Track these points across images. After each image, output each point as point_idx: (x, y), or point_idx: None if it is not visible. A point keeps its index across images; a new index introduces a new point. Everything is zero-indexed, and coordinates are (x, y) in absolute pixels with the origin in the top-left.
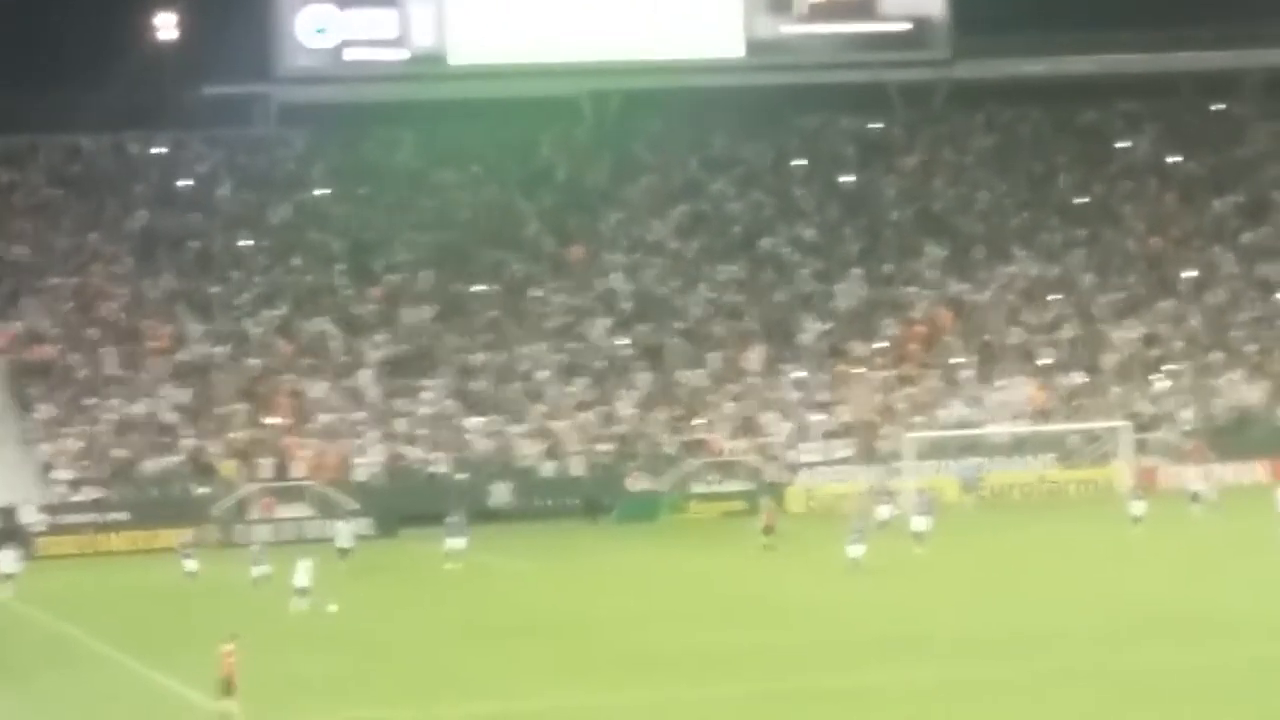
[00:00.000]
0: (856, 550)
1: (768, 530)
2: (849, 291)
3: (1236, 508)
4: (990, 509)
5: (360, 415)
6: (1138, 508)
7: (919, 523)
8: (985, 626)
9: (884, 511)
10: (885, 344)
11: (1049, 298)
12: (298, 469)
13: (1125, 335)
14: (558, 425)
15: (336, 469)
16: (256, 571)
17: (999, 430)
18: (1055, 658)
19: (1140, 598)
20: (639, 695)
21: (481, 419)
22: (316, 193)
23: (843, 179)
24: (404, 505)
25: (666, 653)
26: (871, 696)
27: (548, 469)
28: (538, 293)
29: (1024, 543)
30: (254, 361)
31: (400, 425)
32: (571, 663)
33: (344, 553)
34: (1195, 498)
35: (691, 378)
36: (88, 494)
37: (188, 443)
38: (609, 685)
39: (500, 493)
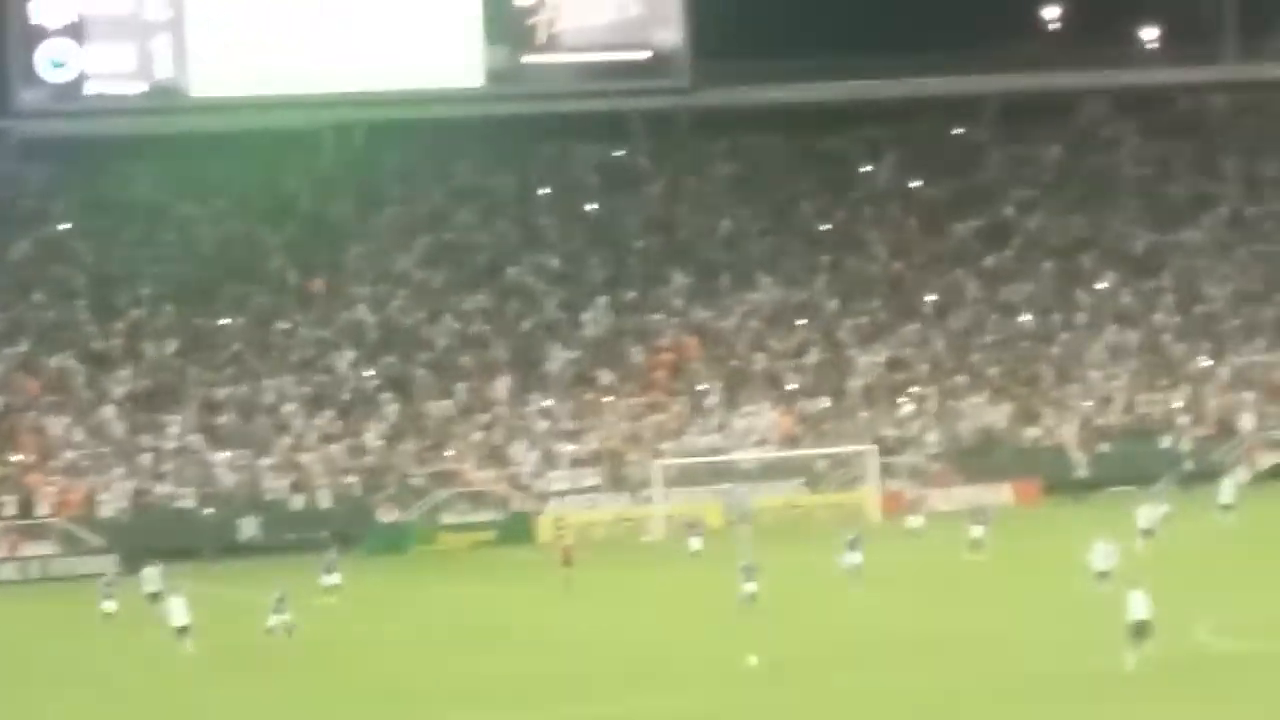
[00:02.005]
0: (854, 558)
1: (566, 563)
2: (595, 320)
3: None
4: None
5: (105, 451)
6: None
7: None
8: (732, 652)
9: (695, 543)
10: (632, 372)
11: (794, 323)
12: (42, 506)
13: (870, 360)
14: (305, 458)
15: (81, 506)
16: None
17: (747, 456)
18: (817, 681)
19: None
20: None
21: (228, 453)
22: (58, 227)
23: (587, 207)
24: (150, 541)
25: (417, 683)
26: None
27: (296, 502)
28: (283, 325)
29: (776, 568)
30: None
31: (146, 460)
32: (319, 694)
33: (154, 597)
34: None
35: (439, 408)
36: None
37: None
38: (359, 716)
39: (249, 527)
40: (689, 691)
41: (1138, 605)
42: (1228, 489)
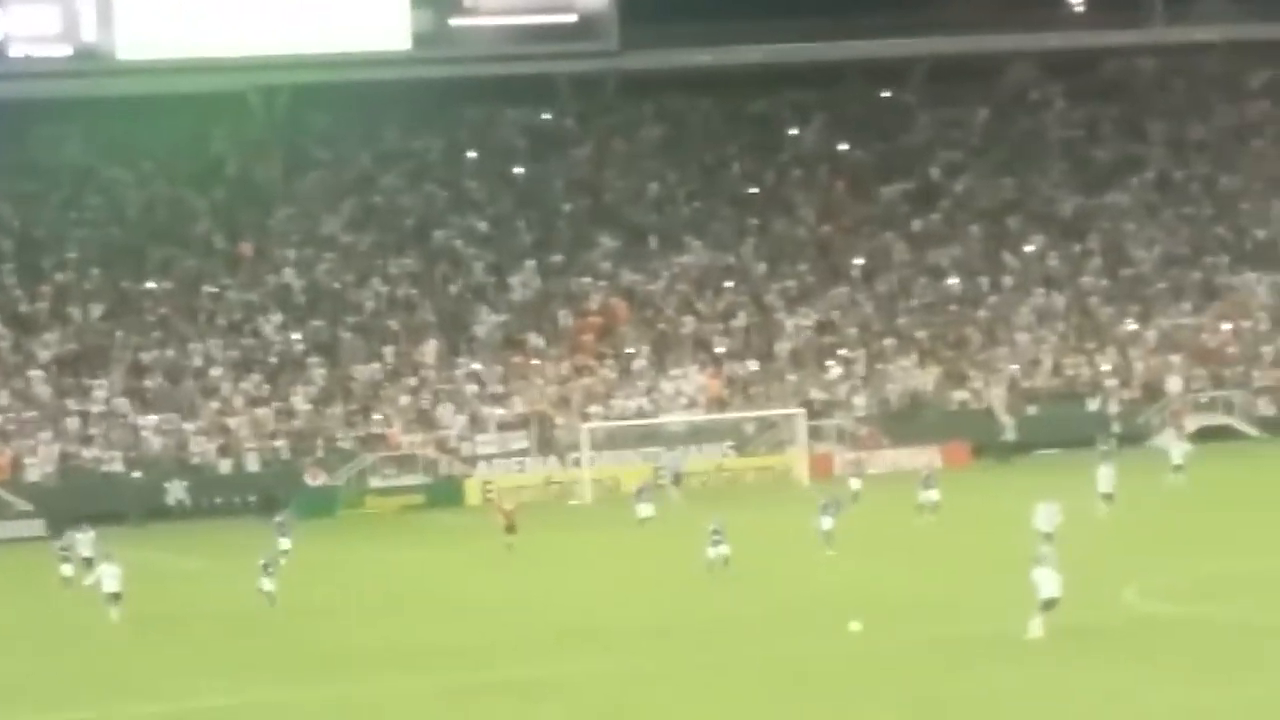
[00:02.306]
0: (828, 522)
1: (509, 529)
2: (523, 283)
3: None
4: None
5: (31, 415)
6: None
7: (644, 509)
8: (663, 615)
9: (644, 509)
10: (560, 335)
11: (722, 286)
12: None
13: (798, 323)
14: (232, 422)
15: (8, 470)
16: None
17: (675, 419)
18: (738, 645)
19: (810, 583)
20: (321, 691)
21: (155, 417)
22: None
23: (514, 170)
24: (77, 505)
25: (348, 648)
26: (553, 687)
27: (223, 466)
28: (209, 289)
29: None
30: None
31: (72, 424)
32: (251, 659)
33: (89, 561)
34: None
35: (366, 372)
36: None
37: None
38: (290, 681)
39: (176, 490)
40: (619, 654)
41: (1047, 583)
42: (1177, 451)
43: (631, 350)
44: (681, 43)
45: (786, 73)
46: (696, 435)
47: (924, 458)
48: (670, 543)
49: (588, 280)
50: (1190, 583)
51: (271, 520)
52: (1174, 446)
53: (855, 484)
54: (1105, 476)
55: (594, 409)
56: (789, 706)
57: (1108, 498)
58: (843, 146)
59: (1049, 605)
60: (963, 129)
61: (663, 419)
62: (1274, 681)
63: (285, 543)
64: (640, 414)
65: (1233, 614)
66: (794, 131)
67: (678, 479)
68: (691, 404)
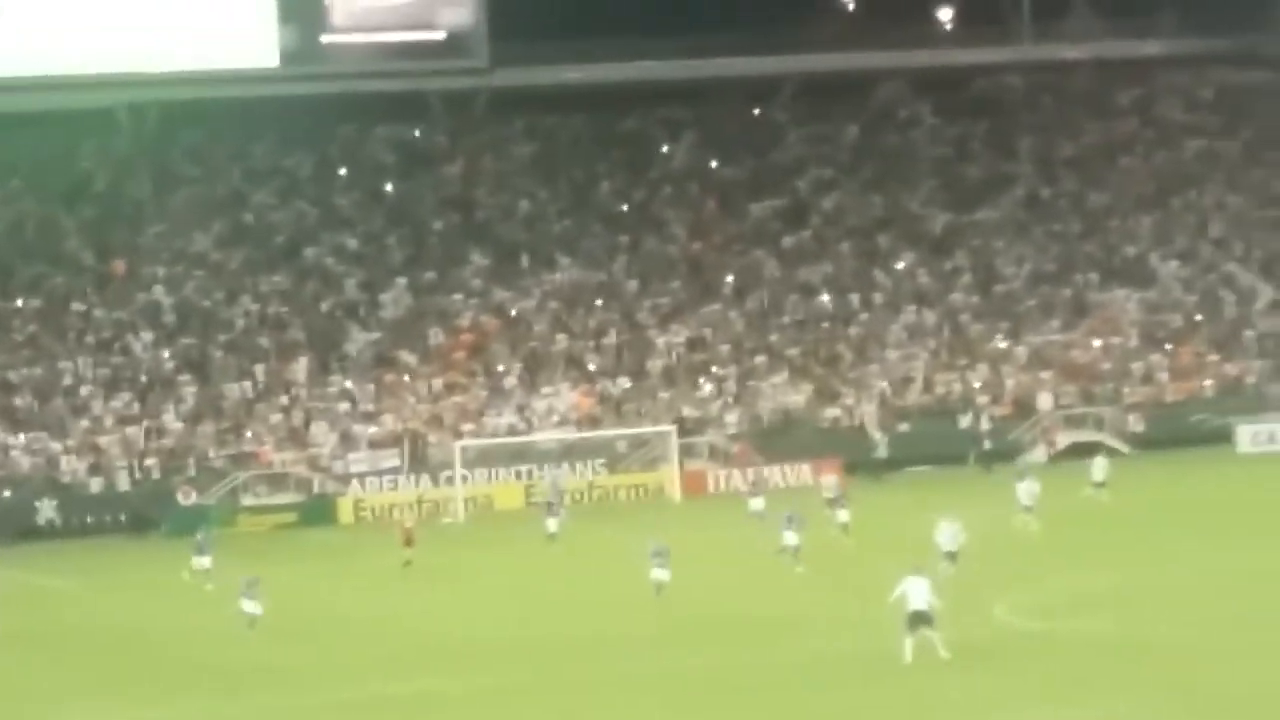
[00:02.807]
0: (791, 539)
1: (408, 543)
2: (394, 301)
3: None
4: (543, 515)
5: None
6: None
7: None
8: (535, 632)
9: (552, 524)
10: (431, 353)
11: (593, 304)
12: None
13: (670, 340)
14: (103, 440)
15: None
16: None
17: (547, 437)
18: (614, 661)
19: (695, 600)
20: (189, 709)
21: (24, 436)
22: None
23: (385, 188)
24: None
25: (219, 666)
26: (425, 704)
27: (94, 485)
28: (79, 306)
29: (579, 548)
30: None
31: None
32: (121, 679)
33: None
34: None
35: (237, 390)
36: None
37: None
38: (158, 700)
39: (46, 510)
40: (492, 671)
41: (917, 596)
42: (1099, 467)
43: (503, 368)
44: (552, 60)
45: (657, 90)
46: (569, 453)
47: (795, 475)
48: (546, 560)
49: (459, 298)
50: (1060, 599)
51: (192, 538)
52: (1095, 463)
53: (757, 504)
54: (1026, 491)
55: (466, 427)
56: None
57: (1028, 510)
58: (713, 164)
59: (915, 620)
60: (833, 146)
61: (535, 437)
62: (1136, 698)
63: (205, 561)
64: (512, 432)
65: (1100, 630)
66: (665, 149)
67: (560, 496)
68: (563, 422)
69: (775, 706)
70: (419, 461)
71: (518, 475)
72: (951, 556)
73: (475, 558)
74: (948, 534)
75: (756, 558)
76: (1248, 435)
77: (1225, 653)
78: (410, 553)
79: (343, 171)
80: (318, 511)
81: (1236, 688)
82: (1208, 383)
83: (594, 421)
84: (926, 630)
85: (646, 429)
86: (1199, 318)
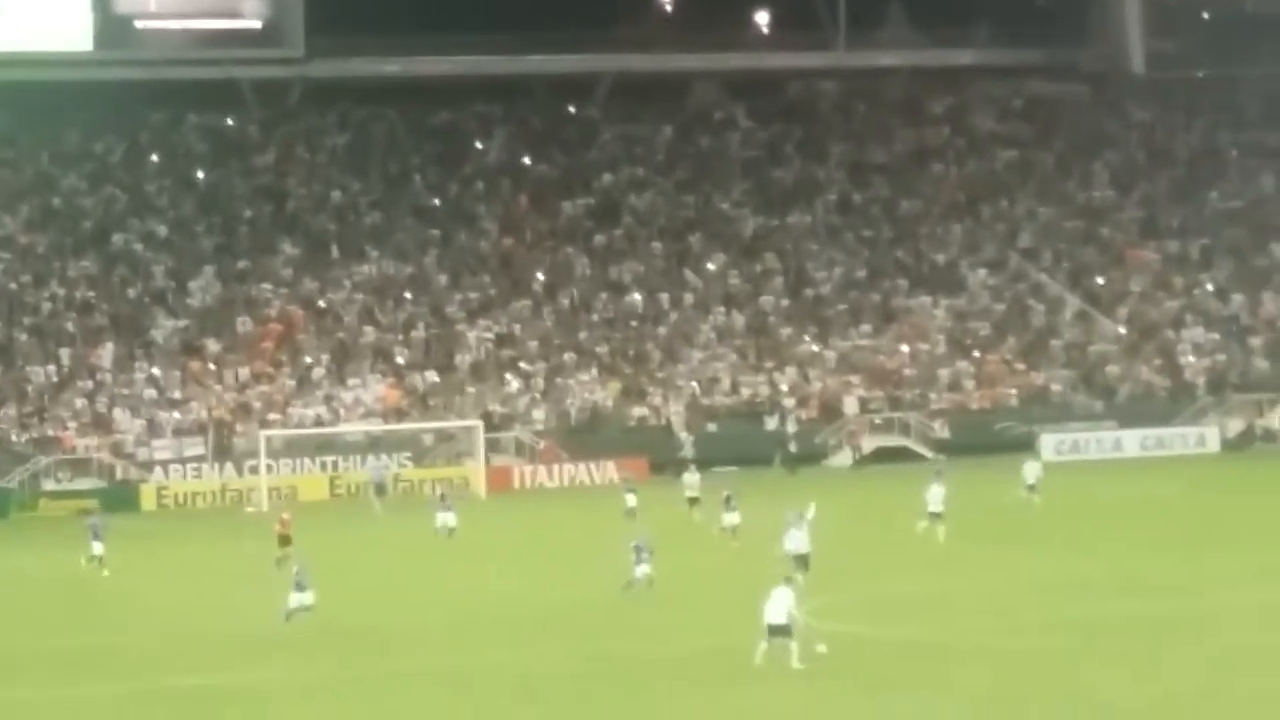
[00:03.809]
0: (732, 518)
1: (283, 540)
2: (203, 289)
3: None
4: (347, 508)
5: None
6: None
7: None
8: (341, 624)
9: (445, 517)
10: (239, 342)
11: (403, 297)
12: None
13: (479, 335)
14: None
15: None
16: None
17: (353, 429)
18: (402, 656)
19: (482, 596)
20: None
21: None
22: None
23: (196, 175)
24: None
25: (19, 652)
26: (230, 694)
27: None
28: None
29: (378, 539)
30: None
31: None
32: None
33: None
34: None
35: (42, 374)
36: None
37: None
38: None
39: None
40: (296, 662)
41: (776, 608)
42: (1031, 469)
43: (310, 359)
44: (368, 52)
45: (472, 85)
46: (375, 445)
47: (601, 473)
48: (358, 552)
49: (268, 287)
50: (861, 602)
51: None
52: (1028, 466)
53: (631, 500)
54: (935, 496)
55: (272, 417)
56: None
57: (936, 517)
58: (526, 160)
59: (771, 631)
60: (646, 146)
61: (341, 428)
62: (931, 700)
63: (99, 547)
64: (318, 423)
65: (899, 633)
66: (478, 144)
67: (381, 489)
68: (370, 414)
69: (575, 708)
70: (224, 450)
71: (323, 466)
72: (802, 560)
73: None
74: (794, 539)
75: (556, 552)
76: (1051, 444)
77: (1021, 656)
78: (286, 550)
79: (154, 158)
80: (120, 498)
81: (1034, 691)
82: (1013, 391)
83: (401, 414)
84: (783, 639)
85: (453, 423)
86: (1006, 326)
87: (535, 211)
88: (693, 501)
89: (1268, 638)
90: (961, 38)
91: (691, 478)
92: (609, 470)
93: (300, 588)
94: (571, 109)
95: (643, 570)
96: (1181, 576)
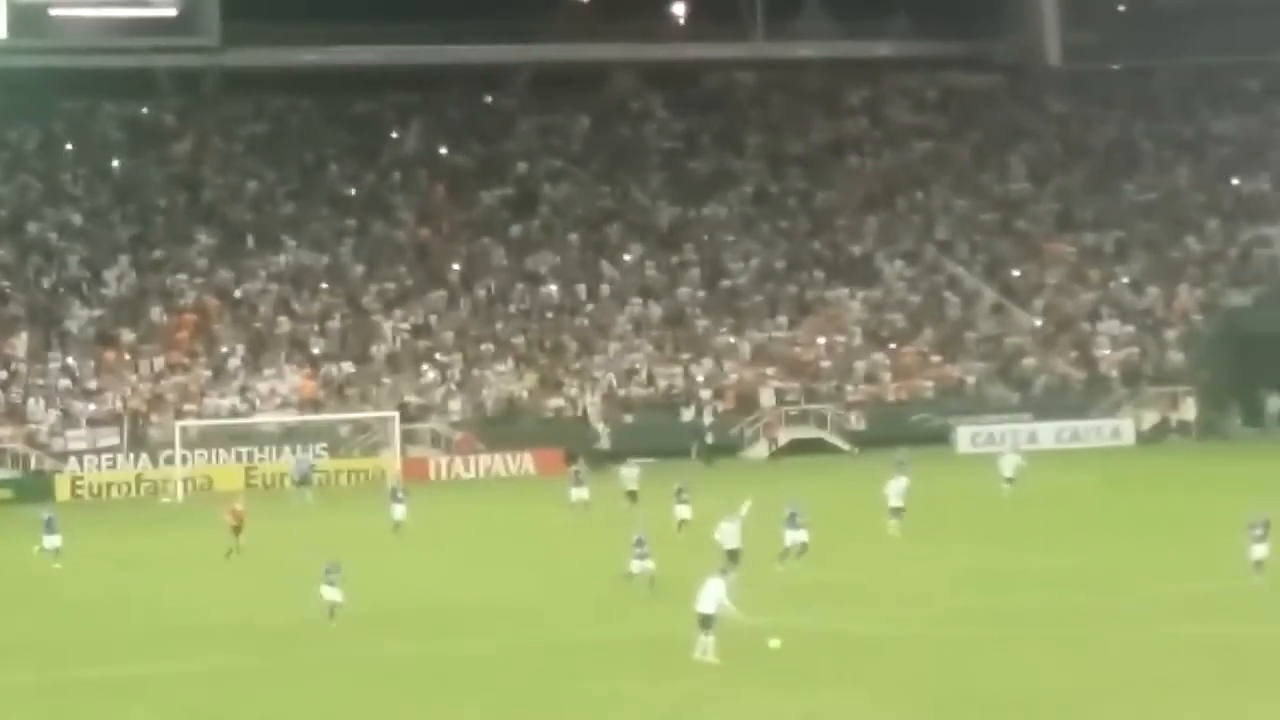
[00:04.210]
0: (683, 511)
1: (237, 530)
2: (118, 278)
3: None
4: (263, 498)
5: None
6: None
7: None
8: (255, 615)
9: (398, 510)
10: (154, 332)
11: (319, 287)
12: None
13: (395, 326)
14: None
15: None
16: None
17: (269, 419)
18: (322, 647)
19: (404, 587)
20: None
21: None
22: None
23: (112, 164)
24: None
25: None
26: (143, 685)
27: None
28: None
29: (294, 532)
30: None
31: None
32: None
33: None
34: None
35: None
36: None
37: None
38: None
39: None
40: (210, 653)
41: (706, 598)
42: (1009, 463)
43: (226, 349)
44: (284, 41)
45: (389, 75)
46: (290, 436)
47: (517, 465)
48: (266, 545)
49: (183, 277)
50: (776, 592)
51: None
52: (1005, 459)
53: (579, 494)
54: (896, 489)
55: (187, 407)
56: (376, 708)
57: (897, 511)
58: (443, 150)
59: (701, 621)
60: (563, 137)
61: (257, 419)
62: (842, 692)
63: (55, 540)
64: (234, 413)
65: (810, 623)
66: (395, 134)
67: (305, 481)
68: (286, 404)
69: (485, 695)
70: (139, 441)
71: (238, 457)
72: (733, 555)
73: (192, 539)
74: (728, 532)
75: (477, 543)
76: (967, 436)
77: (936, 646)
78: (239, 540)
79: (69, 146)
80: (34, 488)
81: (946, 680)
82: (929, 383)
83: (316, 405)
84: (706, 631)
85: (369, 414)
86: (922, 318)
87: (452, 202)
88: (631, 495)
89: (1189, 628)
90: (878, 29)
91: (630, 471)
92: (525, 462)
93: (332, 583)
94: (489, 99)
95: (643, 565)
96: (1100, 568)
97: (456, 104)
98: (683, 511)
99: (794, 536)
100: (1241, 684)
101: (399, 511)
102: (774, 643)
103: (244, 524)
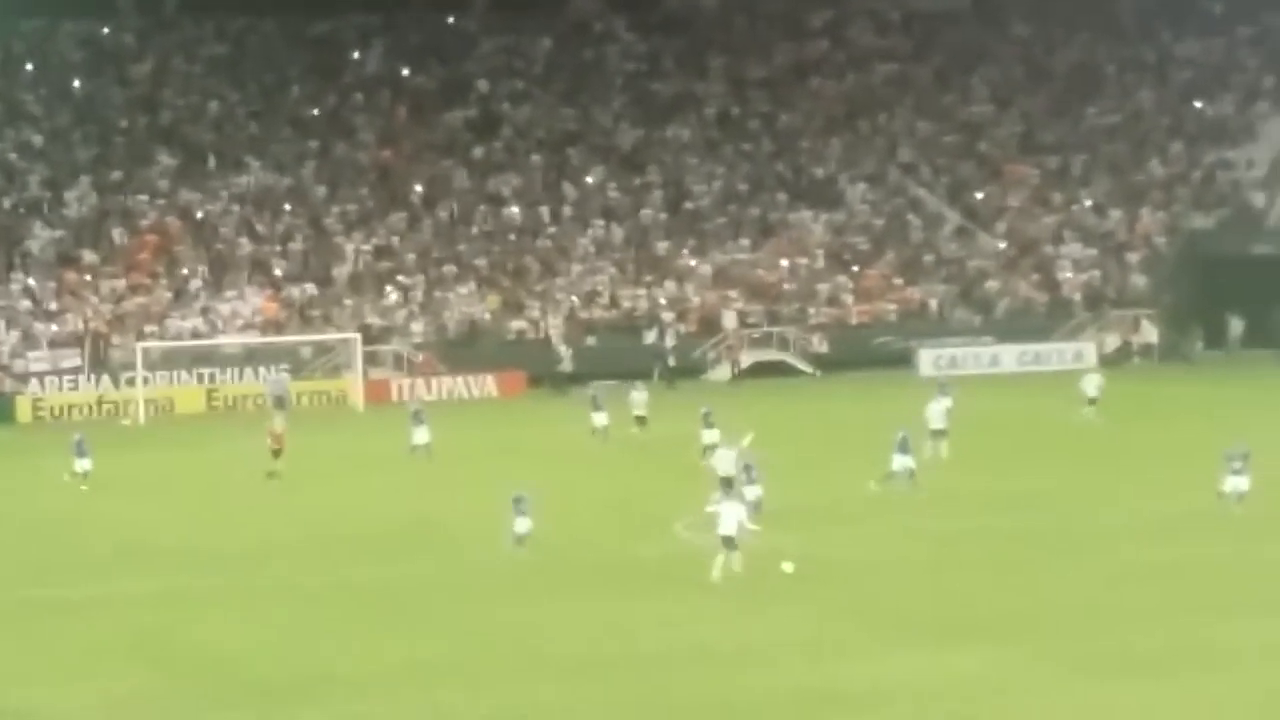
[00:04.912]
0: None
1: (277, 453)
2: (79, 199)
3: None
4: (225, 420)
5: None
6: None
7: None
8: (216, 538)
9: (420, 434)
10: (116, 253)
11: (281, 209)
12: None
13: (357, 247)
14: None
15: None
16: None
17: (231, 341)
18: (280, 571)
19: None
20: None
21: None
22: None
23: (72, 85)
24: None
25: None
26: (103, 605)
27: None
28: None
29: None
30: None
31: None
32: None
33: None
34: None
35: None
36: None
37: None
38: None
39: None
40: (170, 575)
41: (728, 520)
42: (1091, 382)
43: (187, 270)
44: None
45: None
46: (252, 358)
47: (479, 387)
48: (227, 467)
49: (144, 198)
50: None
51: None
52: (1088, 379)
53: (599, 419)
54: (937, 412)
55: (149, 329)
56: (324, 631)
57: (940, 434)
58: (405, 72)
59: (725, 543)
60: (525, 58)
61: (218, 340)
62: (790, 610)
63: (85, 463)
64: (196, 335)
65: (777, 546)
66: (356, 55)
67: (281, 402)
68: (248, 326)
69: (441, 618)
70: (100, 362)
71: (200, 379)
72: (728, 482)
73: (154, 460)
74: (724, 459)
75: (439, 464)
76: (929, 359)
77: (892, 567)
78: (278, 465)
79: (29, 67)
80: None
81: (904, 600)
82: (892, 306)
83: (279, 327)
84: (729, 552)
85: (331, 336)
86: (885, 241)
87: (414, 123)
88: (640, 420)
89: (1153, 553)
90: None
91: (639, 395)
92: (488, 384)
93: (522, 514)
94: (450, 20)
95: (754, 492)
96: (1064, 492)
97: (418, 25)
98: (710, 436)
99: (902, 461)
100: (1207, 609)
101: (421, 434)
102: (787, 566)
103: (284, 446)
